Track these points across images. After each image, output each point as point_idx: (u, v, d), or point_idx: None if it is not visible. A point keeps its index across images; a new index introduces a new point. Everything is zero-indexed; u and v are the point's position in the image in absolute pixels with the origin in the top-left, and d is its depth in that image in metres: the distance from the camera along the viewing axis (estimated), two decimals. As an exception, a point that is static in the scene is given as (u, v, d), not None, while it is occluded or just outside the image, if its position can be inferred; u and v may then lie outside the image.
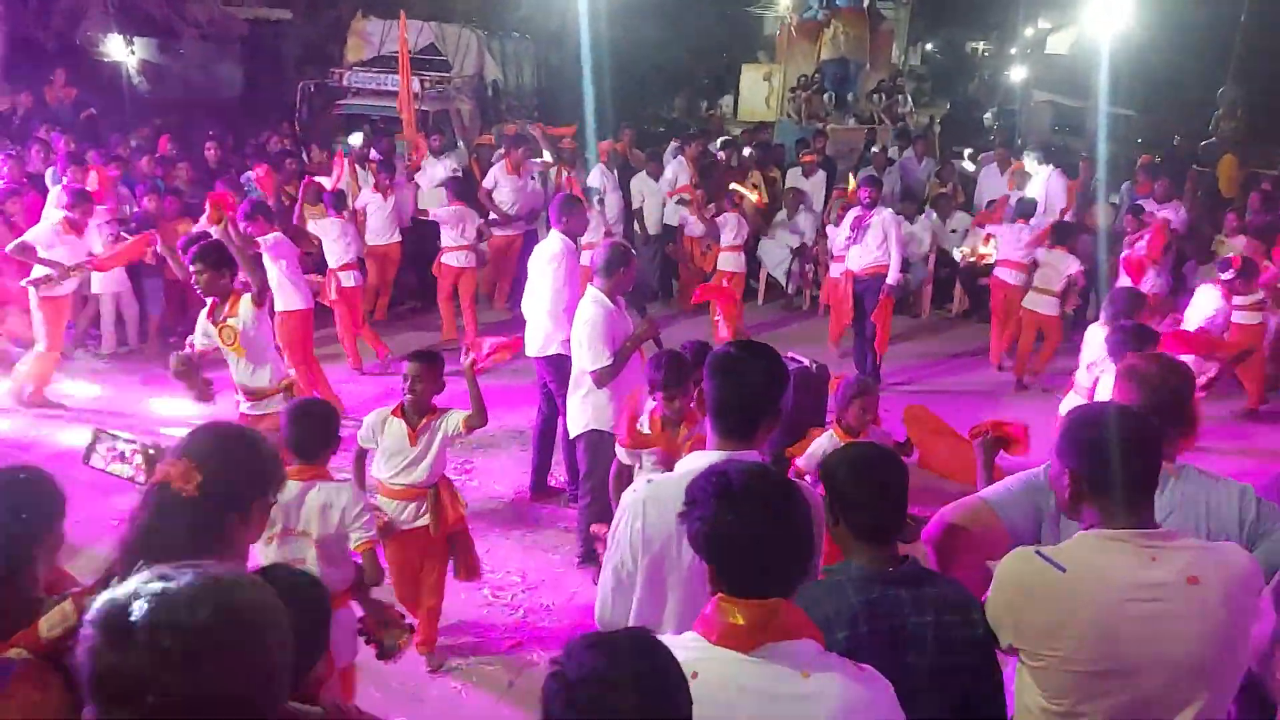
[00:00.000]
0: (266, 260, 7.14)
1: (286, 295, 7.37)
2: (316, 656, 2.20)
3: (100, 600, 1.35)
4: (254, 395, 5.46)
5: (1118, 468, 2.18)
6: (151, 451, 2.68)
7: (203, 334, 5.44)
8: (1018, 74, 32.63)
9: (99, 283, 8.65)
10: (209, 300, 5.45)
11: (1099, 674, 2.13)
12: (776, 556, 1.89)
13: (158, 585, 1.34)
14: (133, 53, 16.06)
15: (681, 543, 2.42)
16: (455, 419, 4.54)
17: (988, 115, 28.33)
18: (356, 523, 3.60)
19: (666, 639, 1.90)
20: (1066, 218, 10.26)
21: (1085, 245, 9.62)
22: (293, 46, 16.99)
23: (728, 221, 10.37)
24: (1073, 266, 8.91)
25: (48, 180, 9.33)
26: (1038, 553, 2.21)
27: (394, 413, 4.54)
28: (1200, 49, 21.03)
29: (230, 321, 5.34)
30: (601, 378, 5.14)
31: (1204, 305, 7.69)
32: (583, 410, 5.36)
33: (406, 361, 4.58)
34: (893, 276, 8.67)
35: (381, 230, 9.88)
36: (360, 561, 3.64)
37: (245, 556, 2.44)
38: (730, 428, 2.55)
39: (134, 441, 2.71)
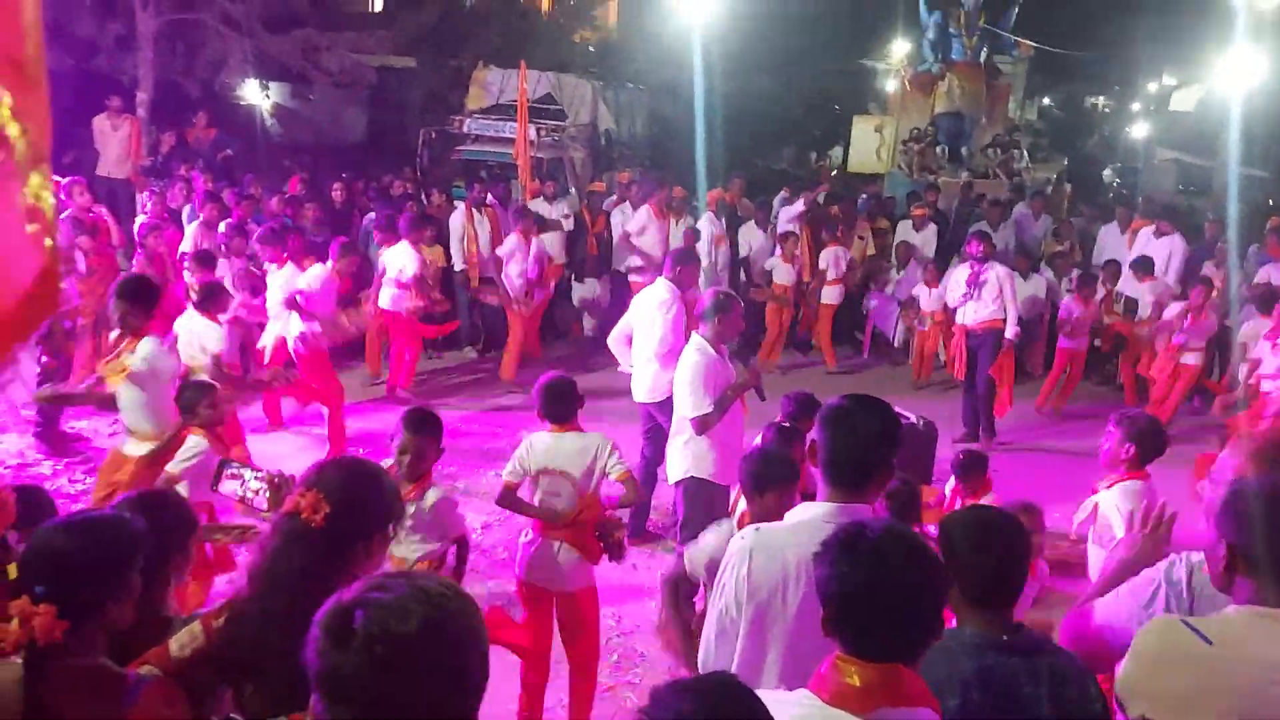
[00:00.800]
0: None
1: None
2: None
3: (328, 606, 1.50)
4: (141, 436, 5.02)
5: (1277, 543, 2.09)
6: (277, 481, 2.79)
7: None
8: (1140, 130, 31.85)
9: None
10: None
11: None
12: (903, 619, 1.86)
13: (375, 594, 1.49)
14: (268, 97, 16.90)
15: (787, 593, 2.43)
16: None
17: (1107, 172, 27.65)
18: (611, 459, 4.31)
19: (778, 694, 1.90)
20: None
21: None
22: (416, 94, 17.64)
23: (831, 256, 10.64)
24: None
25: (184, 216, 9.86)
26: (1184, 622, 2.14)
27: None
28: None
29: (125, 359, 4.96)
30: (702, 425, 5.16)
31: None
32: (683, 457, 5.39)
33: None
34: (1010, 330, 8.60)
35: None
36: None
37: None
38: (842, 480, 2.53)
39: (260, 471, 2.83)
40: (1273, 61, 18.33)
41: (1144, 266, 9.96)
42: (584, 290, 11.56)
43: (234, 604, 2.34)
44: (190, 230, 9.24)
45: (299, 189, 11.52)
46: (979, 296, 8.69)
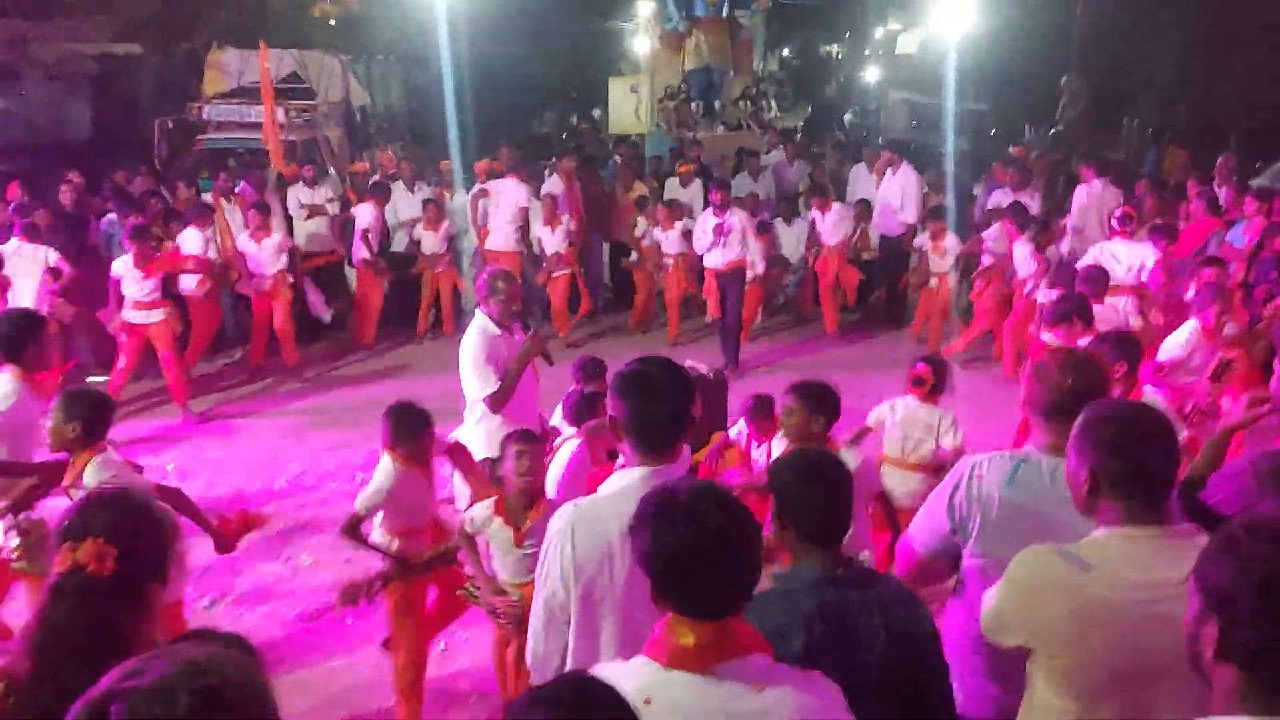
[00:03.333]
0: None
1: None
2: None
3: (79, 706, 1.27)
4: None
5: (1141, 464, 2.16)
6: (24, 526, 2.53)
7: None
8: (872, 74, 33.77)
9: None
10: None
11: (1123, 675, 2.11)
12: (725, 575, 1.88)
13: (130, 682, 1.27)
14: (-29, 96, 15.24)
15: (613, 565, 2.40)
16: None
17: (848, 115, 29.19)
18: None
19: (616, 666, 1.91)
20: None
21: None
22: (146, 82, 16.37)
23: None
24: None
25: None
26: (1057, 550, 2.20)
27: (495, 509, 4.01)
28: (1042, 42, 22.15)
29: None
30: (494, 402, 5.06)
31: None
32: (476, 438, 5.21)
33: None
34: (760, 267, 9.94)
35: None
36: None
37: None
38: (650, 444, 2.53)
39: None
40: (982, 3, 19.83)
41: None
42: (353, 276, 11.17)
43: (11, 677, 2.07)
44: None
45: (20, 194, 10.45)
46: (726, 243, 9.62)
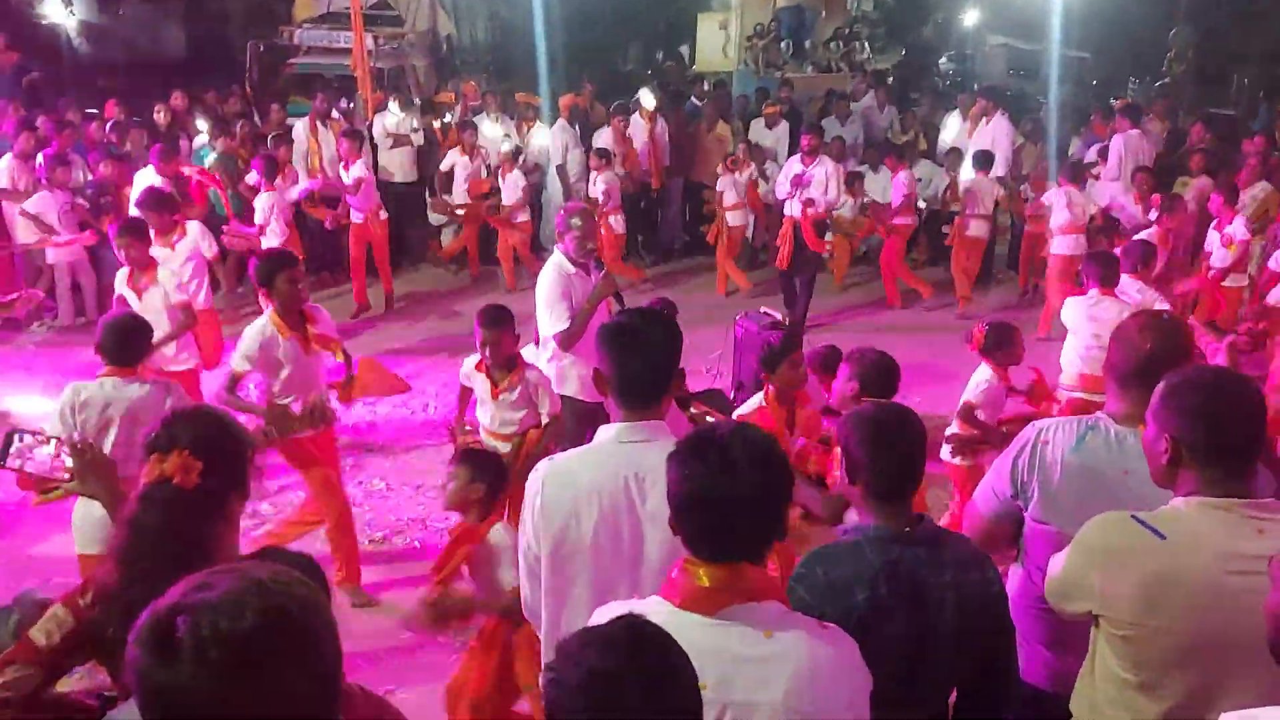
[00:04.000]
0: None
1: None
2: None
3: (144, 618, 1.28)
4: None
5: (1224, 434, 2.10)
6: (80, 445, 2.59)
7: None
8: (970, 18, 32.57)
9: (53, 253, 8.44)
10: None
11: (1193, 647, 2.08)
12: (742, 520, 1.87)
13: (198, 595, 1.28)
14: (72, 14, 15.55)
15: (581, 519, 2.37)
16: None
17: (943, 60, 28.30)
18: None
19: (632, 604, 1.91)
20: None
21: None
22: (238, 4, 16.52)
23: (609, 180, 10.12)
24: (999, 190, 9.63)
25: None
26: (1134, 516, 2.15)
27: (477, 367, 4.79)
28: (1152, -10, 21.12)
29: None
30: (565, 340, 5.03)
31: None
32: (550, 373, 5.16)
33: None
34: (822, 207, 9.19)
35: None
36: None
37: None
38: (634, 398, 2.46)
39: (50, 440, 2.61)
40: (1092, -55, 18.96)
41: (980, 161, 9.94)
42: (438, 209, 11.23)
43: (102, 584, 2.18)
44: (3, 164, 8.51)
45: (117, 113, 10.69)
46: (807, 191, 9.10)
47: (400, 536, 5.67)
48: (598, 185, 10.02)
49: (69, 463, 2.54)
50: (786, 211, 9.40)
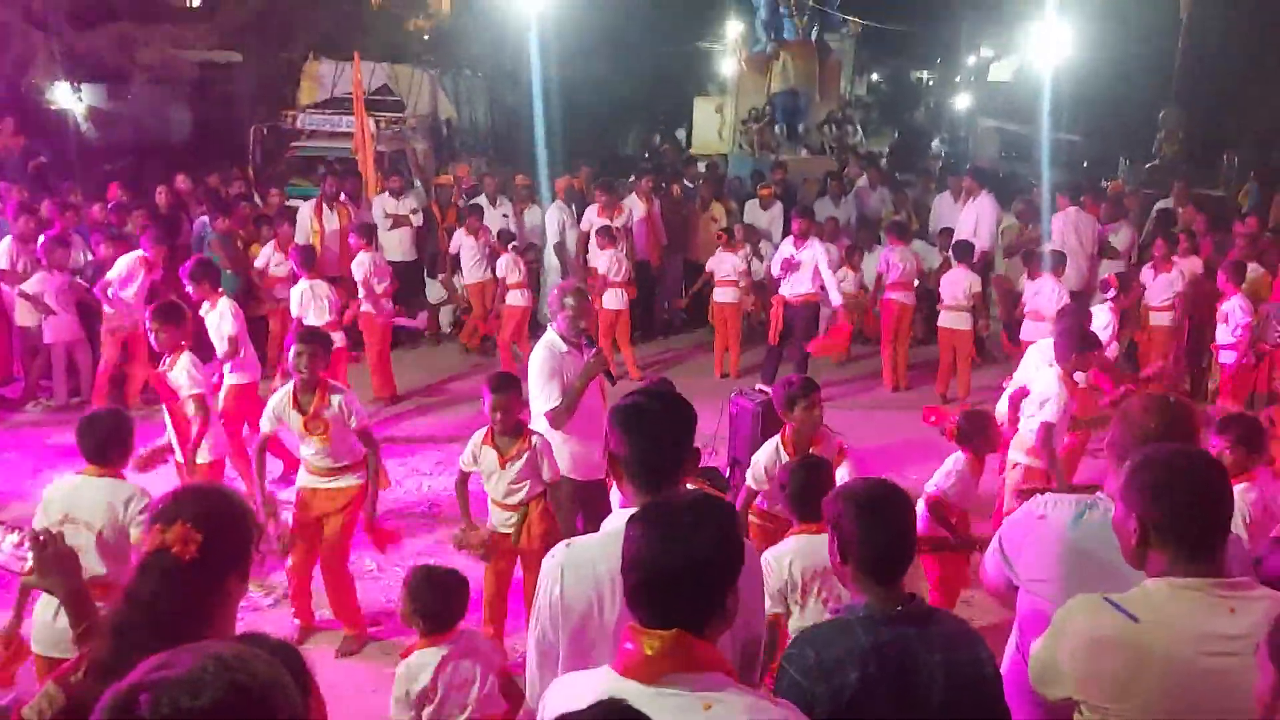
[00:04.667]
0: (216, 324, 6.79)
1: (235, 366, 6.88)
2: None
3: (107, 696, 1.30)
4: (328, 474, 5.30)
5: (1190, 513, 2.08)
6: (42, 538, 2.55)
7: (275, 418, 5.24)
8: (963, 102, 33.30)
9: (50, 332, 8.48)
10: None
11: None
12: (683, 587, 1.85)
13: (160, 674, 1.29)
14: (80, 99, 15.88)
15: (604, 608, 2.34)
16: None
17: (935, 142, 28.84)
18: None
19: (582, 675, 1.92)
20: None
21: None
22: (244, 89, 16.89)
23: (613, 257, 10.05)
24: (975, 284, 9.42)
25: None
26: (1106, 599, 2.13)
27: (485, 440, 4.84)
28: (1141, 75, 21.59)
29: (325, 414, 5.13)
30: (555, 418, 5.02)
31: (1098, 325, 7.81)
32: None
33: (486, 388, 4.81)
34: (834, 299, 9.28)
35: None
36: None
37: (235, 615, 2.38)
38: (653, 482, 2.41)
39: (15, 530, 2.59)
40: (1080, 32, 19.46)
41: (959, 253, 9.77)
42: (437, 287, 11.33)
43: (93, 658, 2.15)
44: (3, 246, 8.60)
45: (120, 195, 10.85)
46: (796, 275, 9.24)
47: (388, 618, 5.58)
48: (600, 261, 10.11)
49: (30, 555, 2.50)
50: (781, 290, 9.48)
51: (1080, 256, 10.02)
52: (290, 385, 5.19)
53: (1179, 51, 20.89)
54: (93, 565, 3.77)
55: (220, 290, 6.95)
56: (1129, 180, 17.45)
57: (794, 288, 9.33)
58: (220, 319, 6.74)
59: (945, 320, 9.56)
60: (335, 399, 5.13)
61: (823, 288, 9.34)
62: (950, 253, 9.88)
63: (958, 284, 9.43)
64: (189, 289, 6.88)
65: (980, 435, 5.17)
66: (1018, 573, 2.63)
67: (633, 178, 12.56)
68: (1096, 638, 2.09)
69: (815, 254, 9.26)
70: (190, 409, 5.66)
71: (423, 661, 3.63)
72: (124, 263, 8.31)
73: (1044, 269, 8.81)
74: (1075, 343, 5.54)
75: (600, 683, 1.83)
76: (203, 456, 5.80)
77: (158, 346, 5.83)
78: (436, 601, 3.66)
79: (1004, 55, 33.27)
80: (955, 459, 5.19)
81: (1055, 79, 17.97)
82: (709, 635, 1.87)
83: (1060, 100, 19.09)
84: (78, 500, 4.03)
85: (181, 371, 5.66)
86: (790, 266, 9.24)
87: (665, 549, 1.85)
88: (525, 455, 4.80)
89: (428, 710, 3.61)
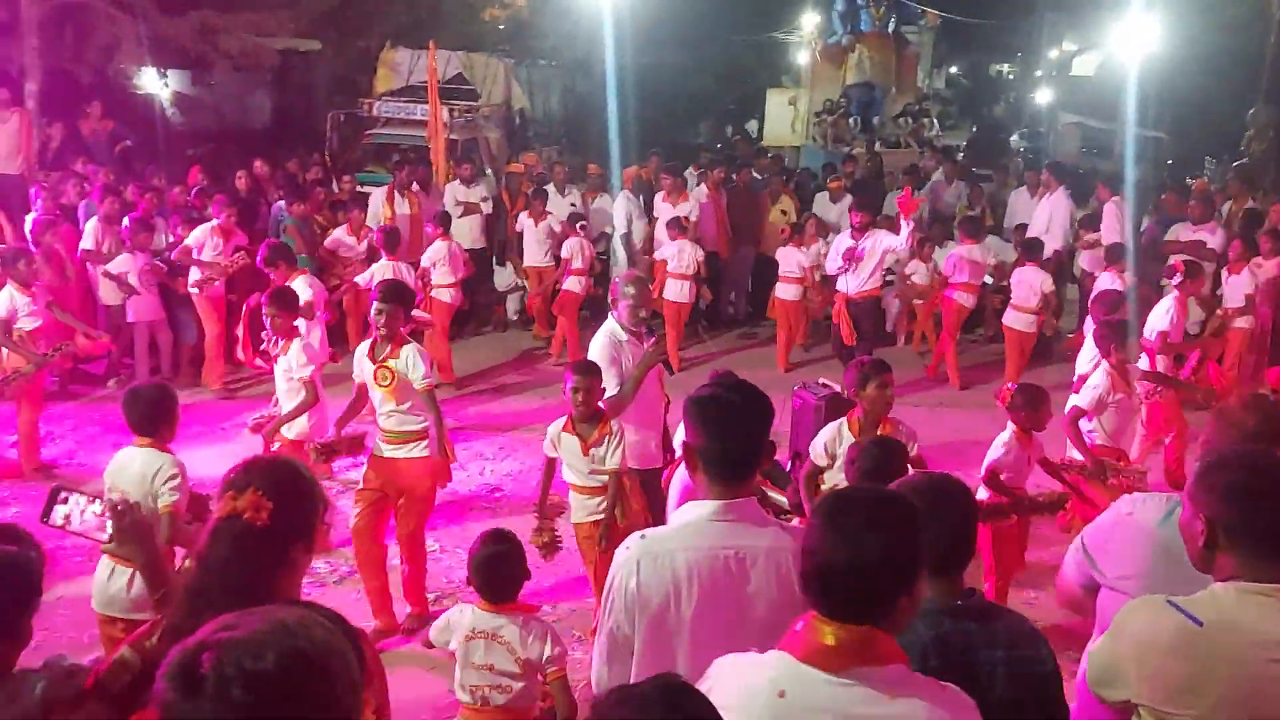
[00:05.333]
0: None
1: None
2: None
3: (174, 653, 1.35)
4: (396, 439, 5.38)
5: (1262, 515, 2.02)
6: (120, 508, 2.62)
7: (358, 368, 5.50)
8: (1043, 96, 32.56)
9: (133, 311, 8.74)
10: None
11: None
12: (878, 585, 1.84)
13: (224, 634, 1.34)
14: (166, 85, 16.30)
15: (680, 600, 2.32)
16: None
17: (1014, 138, 28.26)
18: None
19: (751, 656, 1.92)
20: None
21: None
22: (322, 76, 17.17)
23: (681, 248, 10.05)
24: (1046, 284, 9.19)
25: (80, 212, 9.44)
26: (1170, 602, 2.08)
27: (565, 427, 4.86)
28: (1230, 70, 20.86)
29: (391, 363, 5.26)
30: (613, 406, 5.02)
31: (1160, 314, 7.59)
32: None
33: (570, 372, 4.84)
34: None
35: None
36: None
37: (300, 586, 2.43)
38: (725, 475, 2.38)
39: (95, 499, 2.66)
40: (1166, 26, 18.87)
41: (1029, 250, 9.63)
42: (505, 275, 11.43)
43: (168, 622, 2.22)
44: (89, 227, 8.87)
45: (200, 179, 11.13)
46: (856, 269, 8.99)
47: (450, 599, 5.65)
48: (667, 251, 10.12)
49: (109, 524, 2.58)
50: (839, 288, 9.24)
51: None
52: (370, 339, 5.36)
53: (1269, 46, 20.13)
54: None
55: (299, 268, 7.30)
56: (1215, 179, 16.91)
57: (855, 283, 9.06)
58: (300, 290, 6.96)
59: (1010, 319, 9.36)
60: (406, 349, 5.24)
61: (887, 280, 9.19)
62: (1021, 252, 9.66)
63: (1027, 283, 9.23)
64: (270, 274, 7.09)
65: (1028, 407, 5.15)
66: (1102, 570, 2.58)
67: (694, 168, 12.45)
68: (1158, 641, 2.04)
69: (879, 242, 8.96)
70: (299, 390, 5.87)
71: (459, 621, 3.73)
72: (198, 232, 8.71)
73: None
74: (1115, 335, 5.64)
75: (776, 667, 1.84)
76: (290, 432, 5.97)
77: (272, 331, 6.03)
78: (477, 570, 3.71)
79: (1087, 49, 32.42)
80: (1005, 432, 5.21)
81: (1140, 74, 17.46)
82: (888, 628, 1.87)
83: (1145, 96, 18.51)
84: (122, 472, 4.21)
85: (297, 354, 5.87)
86: (853, 257, 8.98)
87: (858, 550, 1.83)
88: (606, 440, 4.83)
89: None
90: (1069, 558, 2.75)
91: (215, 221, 8.78)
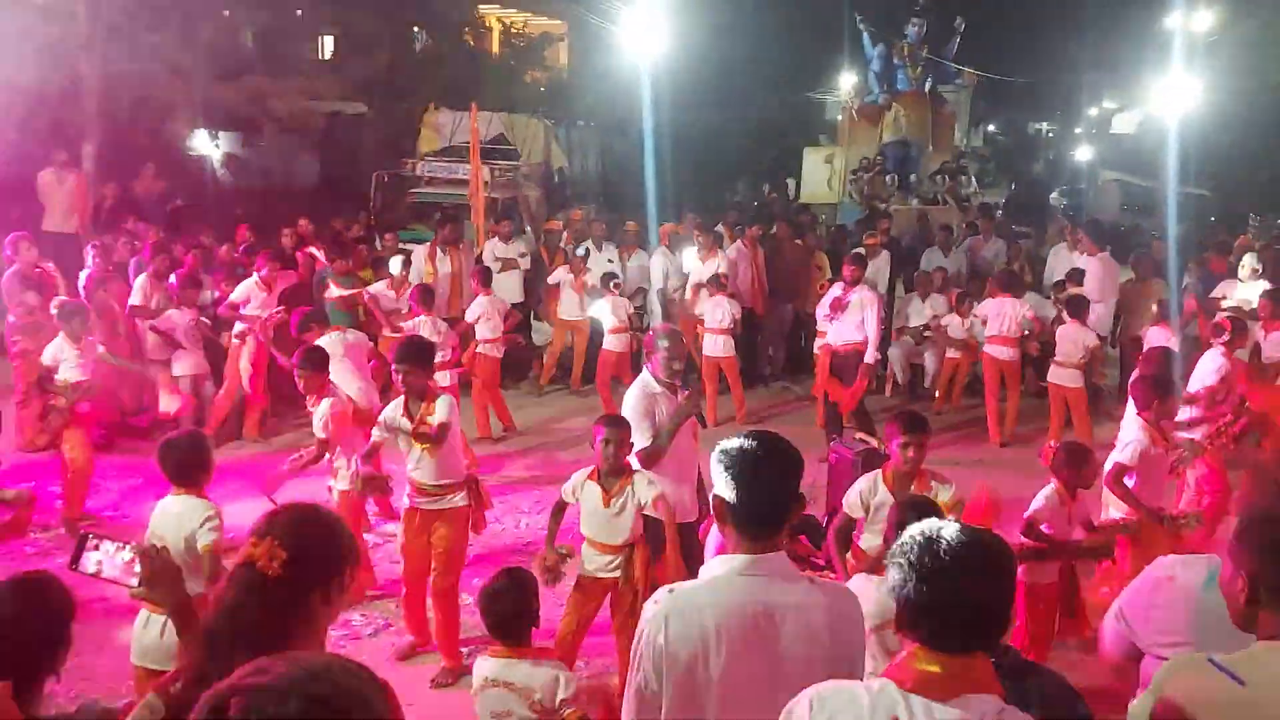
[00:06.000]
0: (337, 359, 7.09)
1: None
2: None
3: (205, 697, 1.38)
4: (433, 491, 5.46)
5: None
6: (151, 553, 2.67)
7: (386, 428, 5.56)
8: (1083, 154, 32.50)
9: (179, 365, 8.91)
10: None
11: None
12: (981, 620, 1.90)
13: (252, 679, 1.37)
14: (217, 146, 16.79)
15: (709, 658, 2.29)
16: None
17: (1054, 195, 28.19)
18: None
19: (859, 683, 1.97)
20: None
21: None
22: (368, 138, 17.60)
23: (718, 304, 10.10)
24: (1090, 339, 9.13)
25: (131, 269, 9.70)
26: (1211, 660, 2.05)
27: (590, 476, 4.86)
28: (1272, 126, 20.75)
29: (430, 419, 5.37)
30: (646, 458, 5.03)
31: (1206, 368, 7.53)
32: None
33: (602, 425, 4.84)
34: (870, 355, 8.84)
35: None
36: None
37: (325, 636, 2.44)
38: (755, 530, 2.36)
39: (125, 546, 2.71)
40: (1207, 84, 18.85)
41: (1073, 308, 9.46)
42: (543, 332, 11.53)
43: (189, 667, 2.26)
44: (138, 283, 9.11)
45: (248, 236, 11.40)
46: (842, 319, 8.95)
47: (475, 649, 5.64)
48: (705, 306, 10.17)
49: (138, 569, 2.63)
50: (827, 339, 9.21)
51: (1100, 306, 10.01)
52: (402, 398, 5.47)
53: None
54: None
55: (335, 325, 7.53)
56: (1260, 235, 16.73)
57: (840, 335, 9.02)
58: (331, 347, 7.05)
59: (1054, 375, 9.29)
60: (441, 401, 5.38)
61: (925, 335, 9.18)
62: (1065, 309, 9.62)
63: (1070, 339, 9.19)
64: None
65: (1071, 467, 5.08)
66: (1141, 637, 2.55)
67: (723, 225, 12.45)
68: (1199, 700, 2.00)
69: (864, 299, 8.89)
70: (315, 449, 5.97)
71: (476, 670, 3.74)
72: (243, 287, 9.01)
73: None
74: (1155, 389, 5.55)
75: (888, 693, 1.88)
76: (343, 484, 6.07)
77: (303, 389, 6.14)
78: (482, 606, 3.73)
79: (1128, 107, 32.44)
80: (1048, 487, 5.15)
81: (1182, 131, 17.42)
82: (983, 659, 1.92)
83: (1186, 153, 18.47)
84: (161, 520, 4.31)
85: (324, 411, 5.96)
86: (839, 306, 8.94)
87: (959, 587, 1.88)
88: (626, 494, 4.81)
89: None
90: (1106, 627, 2.72)
91: (259, 275, 9.01)
